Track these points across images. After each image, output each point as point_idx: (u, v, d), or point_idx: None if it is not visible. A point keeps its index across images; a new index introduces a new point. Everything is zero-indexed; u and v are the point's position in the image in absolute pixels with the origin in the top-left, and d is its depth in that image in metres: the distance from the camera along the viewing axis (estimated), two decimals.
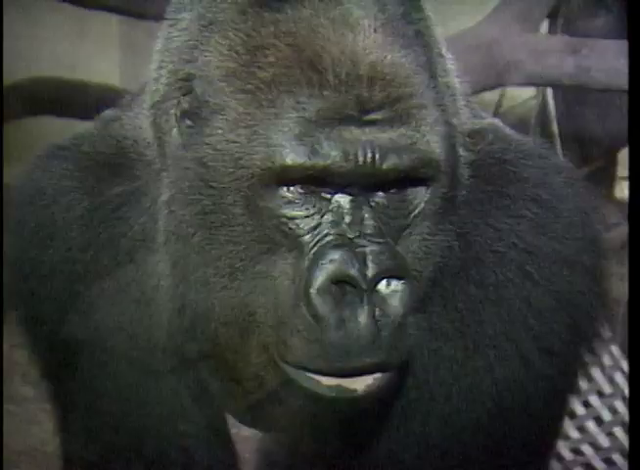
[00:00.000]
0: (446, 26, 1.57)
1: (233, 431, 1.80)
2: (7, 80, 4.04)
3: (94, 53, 4.75)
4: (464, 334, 1.50)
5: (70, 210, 1.58)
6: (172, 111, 1.46)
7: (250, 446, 2.21)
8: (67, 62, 4.59)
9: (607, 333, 1.71)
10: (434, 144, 1.38)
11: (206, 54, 1.42)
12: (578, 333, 1.54)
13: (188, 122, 1.43)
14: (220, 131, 1.39)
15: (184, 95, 1.44)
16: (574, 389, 1.62)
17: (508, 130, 1.65)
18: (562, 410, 1.64)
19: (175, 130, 1.46)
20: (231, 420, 1.77)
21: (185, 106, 1.43)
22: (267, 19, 1.39)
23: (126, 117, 1.61)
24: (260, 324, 1.40)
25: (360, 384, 1.36)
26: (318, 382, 1.36)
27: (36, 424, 2.98)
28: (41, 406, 2.94)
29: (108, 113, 1.68)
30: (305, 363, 1.36)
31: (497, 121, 1.67)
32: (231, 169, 1.38)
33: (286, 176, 1.36)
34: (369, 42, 1.37)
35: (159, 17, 1.54)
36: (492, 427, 1.52)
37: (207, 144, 1.40)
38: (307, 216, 1.37)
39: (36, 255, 1.60)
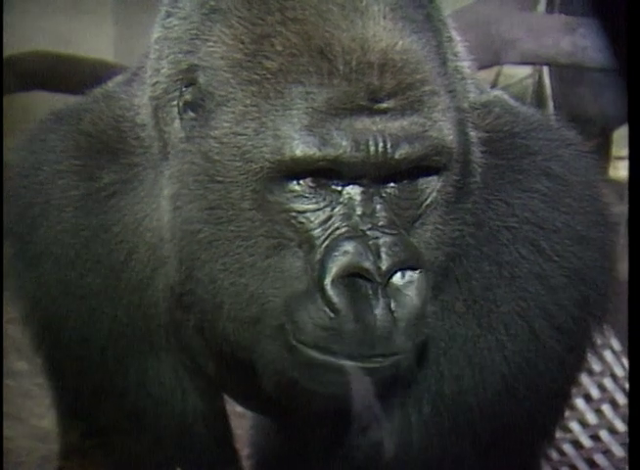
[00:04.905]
0: (444, 4, 1.55)
1: (227, 407, 1.81)
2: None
3: (88, 27, 4.71)
4: (477, 312, 1.49)
5: (66, 192, 1.56)
6: (174, 102, 1.43)
7: (243, 422, 2.22)
8: (60, 36, 4.55)
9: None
10: (446, 131, 1.36)
11: (210, 44, 1.38)
12: (588, 309, 1.54)
13: (191, 114, 1.40)
14: (226, 124, 1.35)
15: (187, 87, 1.40)
16: (583, 366, 1.62)
17: (514, 102, 1.63)
18: (570, 387, 1.64)
19: (177, 122, 1.42)
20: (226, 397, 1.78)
21: (188, 97, 1.40)
22: (273, 5, 1.35)
23: (126, 95, 1.58)
24: (272, 311, 1.37)
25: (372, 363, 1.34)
26: (333, 362, 1.33)
27: (30, 398, 2.99)
28: (36, 381, 2.95)
29: (108, 87, 1.65)
30: (320, 346, 1.33)
31: (502, 94, 1.64)
32: (238, 163, 1.34)
33: (296, 169, 1.33)
34: (379, 28, 1.33)
35: None
36: (501, 405, 1.52)
37: (213, 137, 1.36)
38: (318, 210, 1.35)
39: (28, 232, 1.58)
